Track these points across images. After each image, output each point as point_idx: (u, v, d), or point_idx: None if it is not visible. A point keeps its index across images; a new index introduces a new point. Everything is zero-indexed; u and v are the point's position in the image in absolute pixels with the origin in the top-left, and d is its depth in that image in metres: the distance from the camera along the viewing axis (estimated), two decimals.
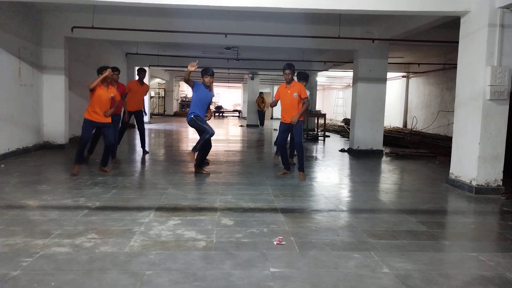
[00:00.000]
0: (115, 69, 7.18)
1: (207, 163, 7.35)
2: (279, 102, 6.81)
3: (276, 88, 17.32)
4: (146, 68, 18.22)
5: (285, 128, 6.66)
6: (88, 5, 7.66)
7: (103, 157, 6.54)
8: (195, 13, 8.53)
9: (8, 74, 7.68)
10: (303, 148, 6.58)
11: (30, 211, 4.27)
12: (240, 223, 4.06)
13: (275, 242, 3.53)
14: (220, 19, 9.14)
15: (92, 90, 6.16)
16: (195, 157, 6.41)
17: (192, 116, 6.31)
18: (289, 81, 6.47)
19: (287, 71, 6.41)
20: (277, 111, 21.81)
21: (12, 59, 7.80)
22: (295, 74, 6.78)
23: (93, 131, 6.57)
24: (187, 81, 6.19)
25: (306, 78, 7.53)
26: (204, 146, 6.49)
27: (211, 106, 6.75)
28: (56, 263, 3.00)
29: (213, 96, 6.78)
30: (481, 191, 5.64)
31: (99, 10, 8.30)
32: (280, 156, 7.07)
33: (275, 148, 8.78)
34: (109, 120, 6.40)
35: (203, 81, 6.37)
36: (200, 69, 6.54)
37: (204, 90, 6.38)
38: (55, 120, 9.12)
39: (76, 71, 10.50)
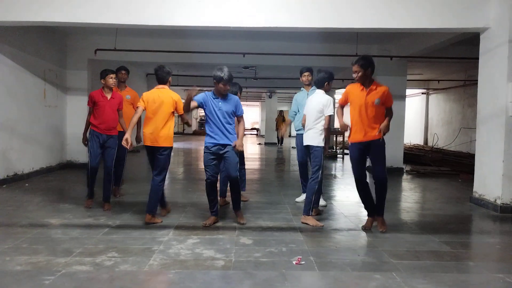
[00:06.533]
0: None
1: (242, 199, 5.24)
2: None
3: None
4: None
5: (358, 151, 4.46)
6: (110, 28, 7.90)
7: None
8: (214, 34, 8.71)
9: (33, 95, 7.94)
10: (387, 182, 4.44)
11: (53, 230, 4.35)
12: (259, 242, 4.04)
13: (294, 262, 3.50)
14: (238, 39, 9.30)
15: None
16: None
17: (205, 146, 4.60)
18: (369, 82, 4.30)
19: (356, 66, 4.23)
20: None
21: (37, 81, 8.08)
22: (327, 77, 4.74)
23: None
24: (189, 110, 4.47)
25: (331, 78, 4.97)
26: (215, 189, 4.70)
27: (240, 124, 4.60)
28: (78, 281, 3.03)
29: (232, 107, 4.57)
30: (506, 210, 5.48)
31: (121, 33, 8.55)
32: (361, 199, 4.64)
33: (303, 196, 5.74)
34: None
35: (218, 88, 4.45)
36: (204, 89, 4.82)
37: (214, 102, 4.49)
38: (78, 140, 9.30)
39: None
